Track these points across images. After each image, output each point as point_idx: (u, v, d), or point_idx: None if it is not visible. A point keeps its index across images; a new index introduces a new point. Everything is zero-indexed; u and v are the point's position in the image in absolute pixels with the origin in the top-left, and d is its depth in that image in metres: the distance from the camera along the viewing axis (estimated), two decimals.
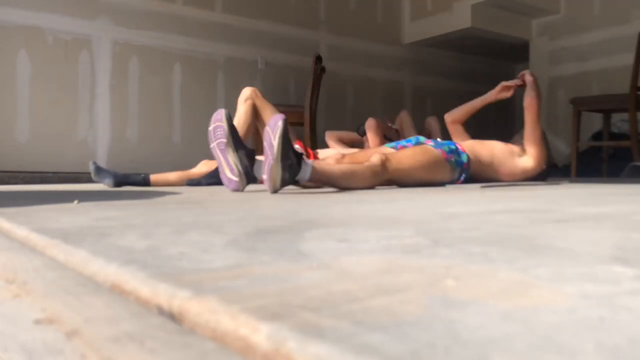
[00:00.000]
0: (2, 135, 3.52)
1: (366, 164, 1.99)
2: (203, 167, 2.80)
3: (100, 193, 1.88)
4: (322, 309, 0.31)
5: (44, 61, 3.66)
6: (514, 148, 2.48)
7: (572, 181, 2.85)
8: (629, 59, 4.65)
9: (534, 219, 0.84)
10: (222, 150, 1.83)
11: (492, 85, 2.92)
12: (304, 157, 1.78)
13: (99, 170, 2.64)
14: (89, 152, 3.81)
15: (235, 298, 0.33)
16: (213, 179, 2.59)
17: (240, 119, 2.72)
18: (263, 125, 2.74)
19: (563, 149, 4.45)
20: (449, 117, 2.85)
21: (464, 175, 2.31)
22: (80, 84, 3.80)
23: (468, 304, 0.32)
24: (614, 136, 4.18)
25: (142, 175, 2.66)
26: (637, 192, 1.63)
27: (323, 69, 4.00)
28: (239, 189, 1.83)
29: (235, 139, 1.82)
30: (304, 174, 1.76)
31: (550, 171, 4.00)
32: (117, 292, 0.41)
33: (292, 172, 1.71)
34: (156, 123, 4.10)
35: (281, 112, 4.22)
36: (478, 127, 3.18)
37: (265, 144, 1.72)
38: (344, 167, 1.95)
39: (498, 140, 2.59)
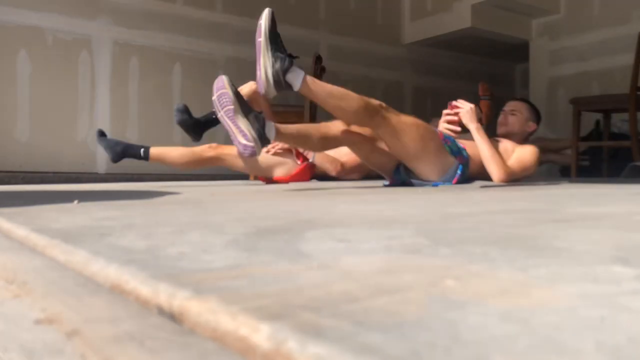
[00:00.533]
0: (2, 135, 3.52)
1: (364, 98, 1.91)
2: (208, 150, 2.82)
3: (100, 193, 1.88)
4: (322, 309, 0.31)
5: (44, 61, 3.66)
6: (507, 148, 2.45)
7: (571, 181, 2.84)
8: (629, 59, 4.65)
9: (534, 219, 0.84)
10: (230, 118, 1.77)
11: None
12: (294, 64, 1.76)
13: (102, 137, 2.65)
14: (89, 152, 3.80)
15: (235, 298, 0.33)
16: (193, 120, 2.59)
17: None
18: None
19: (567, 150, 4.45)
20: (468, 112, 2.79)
21: (459, 172, 2.24)
22: (80, 84, 3.80)
23: (468, 304, 0.32)
24: (613, 136, 4.18)
25: (143, 149, 2.68)
26: (637, 192, 1.63)
27: (323, 69, 4.00)
28: (257, 153, 1.76)
29: (242, 103, 1.77)
30: (296, 75, 1.73)
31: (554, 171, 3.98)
32: (117, 292, 0.41)
33: (282, 64, 1.69)
34: (156, 123, 4.10)
35: (281, 112, 4.23)
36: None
37: (227, 107, 1.71)
38: (337, 87, 1.89)
39: (492, 138, 2.54)
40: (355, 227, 0.73)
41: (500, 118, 2.70)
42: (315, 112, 4.00)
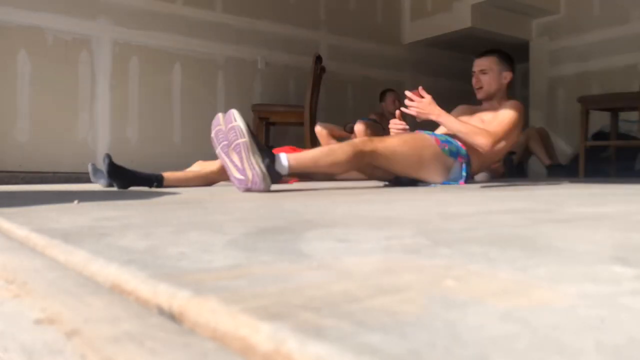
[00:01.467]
0: (2, 135, 3.52)
1: (346, 142, 1.93)
2: (197, 168, 2.72)
3: (100, 193, 1.88)
4: (322, 309, 0.31)
5: (44, 61, 3.66)
6: (494, 111, 2.38)
7: (571, 181, 2.84)
8: (629, 58, 4.65)
9: (534, 219, 0.84)
10: (225, 153, 1.76)
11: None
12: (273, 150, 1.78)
13: (96, 171, 2.50)
14: (89, 152, 3.80)
15: (235, 298, 0.33)
16: (116, 179, 2.31)
17: None
18: None
19: (565, 149, 4.44)
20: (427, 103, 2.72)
21: (464, 173, 2.24)
22: (80, 84, 3.80)
23: (468, 304, 0.32)
24: (617, 136, 4.18)
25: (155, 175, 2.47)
26: (637, 192, 1.63)
27: (323, 69, 4.00)
28: (266, 189, 1.75)
29: (255, 138, 1.75)
30: (282, 163, 1.74)
31: (557, 171, 3.98)
32: (117, 292, 0.41)
33: (268, 153, 1.69)
34: (156, 123, 4.10)
35: (281, 112, 4.24)
36: None
37: (229, 136, 1.68)
38: (320, 148, 1.91)
39: (468, 115, 2.47)
40: (355, 227, 0.73)
41: (473, 81, 2.55)
42: (315, 112, 4.00)
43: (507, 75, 2.50)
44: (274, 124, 4.36)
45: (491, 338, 0.25)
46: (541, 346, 0.24)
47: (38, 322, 0.36)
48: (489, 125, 2.30)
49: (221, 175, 2.57)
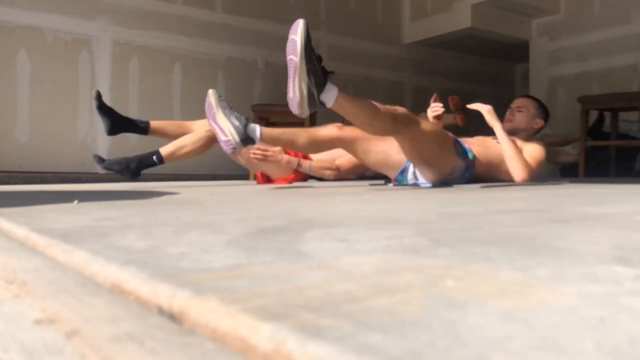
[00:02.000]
0: (2, 135, 3.52)
1: (390, 112, 1.92)
2: (201, 126, 2.77)
3: (100, 193, 1.88)
4: (322, 309, 0.31)
5: (44, 61, 3.66)
6: (518, 145, 2.46)
7: (571, 181, 2.84)
8: (629, 59, 4.65)
9: (534, 219, 0.84)
10: (212, 117, 1.89)
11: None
12: (329, 79, 1.74)
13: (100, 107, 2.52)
14: (89, 152, 3.80)
15: (235, 298, 0.33)
16: (117, 166, 2.52)
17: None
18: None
19: (569, 149, 4.43)
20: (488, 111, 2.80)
21: (467, 174, 2.26)
22: (80, 84, 3.80)
23: (468, 304, 0.32)
24: (617, 136, 4.17)
25: (142, 123, 2.61)
26: (637, 192, 1.63)
27: (323, 69, 4.00)
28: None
29: (222, 106, 1.88)
30: (330, 94, 1.71)
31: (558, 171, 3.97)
32: (117, 292, 0.41)
33: (317, 80, 1.66)
34: None
35: (281, 112, 4.23)
36: (478, 125, 3.18)
37: (287, 49, 1.67)
38: (365, 103, 1.88)
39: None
40: (355, 227, 0.73)
41: (507, 115, 2.70)
42: (315, 112, 4.00)
43: (538, 122, 2.65)
44: (273, 124, 4.35)
45: (491, 338, 0.25)
46: (541, 346, 0.24)
47: (38, 322, 0.36)
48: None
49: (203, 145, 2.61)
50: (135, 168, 2.50)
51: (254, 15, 4.56)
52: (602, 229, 0.71)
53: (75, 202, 1.28)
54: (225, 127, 1.85)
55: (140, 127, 2.57)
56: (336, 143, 2.13)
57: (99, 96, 2.52)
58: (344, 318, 0.29)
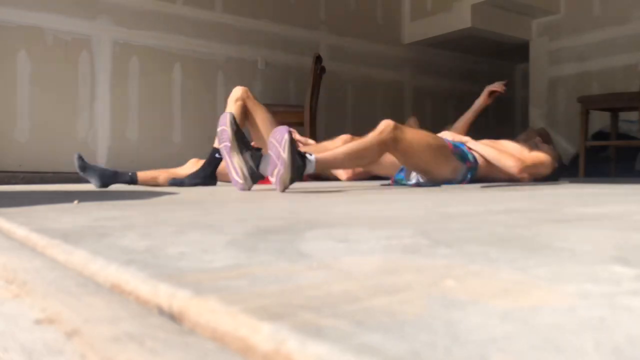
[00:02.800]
0: (2, 135, 3.52)
1: (372, 134, 1.97)
2: (191, 167, 2.76)
3: (100, 193, 1.88)
4: (322, 309, 0.31)
5: (44, 61, 3.66)
6: (524, 147, 2.47)
7: (571, 181, 2.85)
8: (629, 59, 4.65)
9: (534, 219, 0.84)
10: (228, 153, 1.89)
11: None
12: (307, 154, 1.82)
13: (84, 166, 2.50)
14: (89, 152, 3.80)
15: (235, 298, 0.33)
16: (197, 179, 2.53)
17: None
18: (254, 125, 2.72)
19: (567, 148, 4.44)
20: (450, 133, 2.85)
21: (469, 175, 2.28)
22: (80, 84, 3.80)
23: (468, 304, 0.32)
24: (617, 136, 4.17)
25: (130, 173, 2.58)
26: (637, 192, 1.63)
27: (323, 69, 4.00)
28: (245, 189, 1.90)
29: (239, 142, 1.89)
30: (310, 169, 1.83)
31: (562, 171, 3.99)
32: (117, 292, 0.41)
33: (299, 172, 1.79)
34: (156, 123, 4.10)
35: (281, 112, 4.24)
36: (478, 128, 3.18)
37: (271, 153, 1.79)
38: (346, 147, 1.96)
39: (509, 140, 2.58)
40: (355, 227, 0.73)
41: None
42: (315, 112, 4.00)
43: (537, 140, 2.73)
44: None
45: (491, 338, 0.25)
46: (541, 346, 0.24)
47: (38, 322, 0.36)
48: (521, 152, 2.45)
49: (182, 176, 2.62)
50: (108, 176, 2.46)
51: (254, 15, 4.56)
52: (602, 229, 0.71)
53: (75, 202, 1.28)
54: (238, 167, 1.87)
55: (128, 178, 2.56)
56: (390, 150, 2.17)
57: (80, 157, 2.47)
58: (343, 318, 0.29)
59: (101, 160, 3.84)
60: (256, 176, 1.87)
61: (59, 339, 0.32)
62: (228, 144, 1.86)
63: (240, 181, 1.86)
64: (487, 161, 2.36)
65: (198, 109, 4.27)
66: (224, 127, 1.87)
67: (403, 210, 1.03)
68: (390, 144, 1.97)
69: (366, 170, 3.02)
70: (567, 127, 4.92)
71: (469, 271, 0.42)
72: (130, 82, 4.01)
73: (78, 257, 0.51)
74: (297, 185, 2.50)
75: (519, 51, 5.65)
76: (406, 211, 1.01)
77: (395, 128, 1.98)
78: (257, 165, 1.87)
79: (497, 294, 0.34)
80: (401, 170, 2.35)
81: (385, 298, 0.33)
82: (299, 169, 1.77)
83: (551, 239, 0.60)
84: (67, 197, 1.58)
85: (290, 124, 2.98)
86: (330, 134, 4.11)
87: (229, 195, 1.65)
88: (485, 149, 2.38)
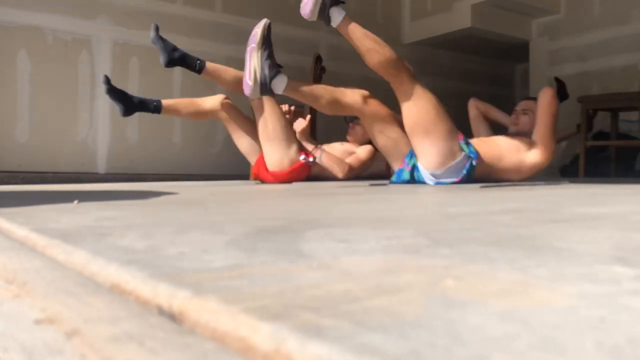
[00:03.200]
0: (2, 135, 3.52)
1: (398, 54, 2.05)
2: (216, 101, 2.84)
3: (100, 193, 1.88)
4: (322, 309, 0.31)
5: (44, 61, 3.66)
6: (521, 143, 2.44)
7: (571, 181, 2.84)
8: (629, 58, 4.65)
9: (534, 219, 0.84)
10: (249, 54, 1.92)
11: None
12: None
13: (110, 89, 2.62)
14: (89, 152, 3.80)
15: (235, 298, 0.33)
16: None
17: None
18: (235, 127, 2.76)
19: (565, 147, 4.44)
20: (475, 101, 2.84)
21: (465, 171, 2.23)
22: (80, 84, 3.80)
23: (468, 304, 0.32)
24: (618, 137, 4.17)
25: (155, 102, 2.69)
26: (637, 192, 1.63)
27: (323, 69, 4.00)
28: (251, 95, 1.89)
29: (266, 43, 1.90)
30: (280, 82, 1.83)
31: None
32: (117, 292, 0.41)
33: (271, 67, 1.76)
34: (156, 123, 4.10)
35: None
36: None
37: (248, 44, 1.81)
38: (374, 36, 2.01)
39: (502, 136, 2.56)
40: (355, 227, 0.73)
41: (512, 117, 2.71)
42: (315, 112, 4.00)
43: None
44: None
45: (491, 338, 0.25)
46: (541, 346, 0.24)
47: (38, 322, 0.36)
48: (518, 152, 2.43)
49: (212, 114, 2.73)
50: (134, 104, 2.66)
51: (254, 15, 4.55)
52: (602, 229, 0.71)
53: (75, 202, 1.28)
54: (252, 70, 1.87)
55: (153, 107, 2.70)
56: (356, 112, 2.18)
57: (107, 81, 2.64)
58: (344, 318, 0.29)
59: (101, 160, 3.84)
60: (267, 88, 1.88)
61: (59, 339, 0.32)
62: (253, 45, 1.89)
63: (250, 83, 1.87)
64: (486, 159, 2.33)
65: None
66: (257, 29, 1.91)
67: (403, 210, 1.03)
68: (404, 72, 2.01)
69: (363, 168, 3.02)
70: (567, 127, 4.92)
71: (469, 271, 0.42)
72: (130, 82, 4.00)
73: (78, 257, 0.51)
74: (297, 185, 2.50)
75: (519, 51, 5.65)
76: (406, 211, 1.01)
77: (413, 74, 2.04)
78: (272, 78, 1.87)
79: (497, 294, 0.34)
80: (399, 172, 2.34)
81: (385, 298, 0.33)
82: (271, 62, 1.76)
83: (551, 239, 0.60)
84: (67, 197, 1.58)
85: (290, 124, 2.98)
86: (331, 134, 4.11)
87: (229, 195, 1.65)
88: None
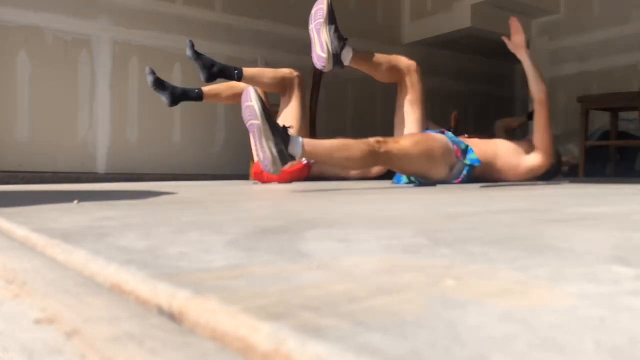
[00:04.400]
0: (2, 135, 3.52)
1: (362, 140, 1.97)
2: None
3: (100, 193, 1.88)
4: (322, 309, 0.31)
5: (44, 61, 3.66)
6: (519, 146, 2.46)
7: (571, 181, 2.84)
8: (629, 58, 4.65)
9: (534, 219, 0.84)
10: (318, 29, 1.98)
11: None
12: (289, 130, 1.81)
13: (158, 81, 2.67)
14: (89, 152, 3.80)
15: (235, 298, 0.33)
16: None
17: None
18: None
19: (571, 147, 4.43)
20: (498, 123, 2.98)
21: (465, 173, 2.24)
22: (80, 84, 3.80)
23: (468, 304, 0.32)
24: (618, 136, 4.17)
25: (197, 90, 2.77)
26: (637, 192, 1.63)
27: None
28: (326, 67, 1.99)
29: (331, 17, 1.98)
30: (297, 146, 1.76)
31: (559, 170, 3.98)
32: (117, 292, 0.41)
33: (284, 142, 1.73)
34: (156, 123, 4.10)
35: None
36: (478, 126, 3.19)
37: (246, 120, 1.76)
38: (337, 140, 1.95)
39: (501, 139, 2.58)
40: (355, 227, 0.73)
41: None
42: (315, 112, 4.00)
43: None
44: None
45: (491, 338, 0.25)
46: (541, 346, 0.24)
47: (38, 322, 0.36)
48: (517, 157, 2.46)
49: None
50: (178, 94, 2.74)
51: (254, 15, 4.56)
52: (602, 229, 0.71)
53: (75, 202, 1.28)
54: (324, 43, 1.93)
55: (195, 95, 2.79)
56: (405, 78, 2.34)
57: (152, 72, 2.70)
58: (344, 318, 0.29)
59: (101, 160, 3.84)
60: (338, 60, 1.92)
61: (59, 339, 0.32)
62: (321, 20, 1.97)
63: (325, 56, 1.96)
64: (483, 160, 2.35)
65: (198, 109, 4.26)
66: (320, 5, 1.96)
67: (403, 210, 1.03)
68: (378, 151, 1.95)
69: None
70: (567, 127, 4.92)
71: (469, 271, 0.42)
72: (130, 82, 4.01)
73: (78, 257, 0.51)
74: (297, 185, 2.50)
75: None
76: (406, 211, 1.02)
77: (382, 142, 1.98)
78: (341, 49, 1.92)
79: (497, 294, 0.34)
80: (399, 176, 2.35)
81: (385, 298, 0.33)
82: (282, 135, 1.72)
83: (551, 239, 0.60)
84: (67, 197, 1.58)
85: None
86: (331, 134, 4.11)
87: (229, 195, 1.65)
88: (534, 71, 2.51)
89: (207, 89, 2.87)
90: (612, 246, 0.55)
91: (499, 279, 0.39)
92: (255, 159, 2.83)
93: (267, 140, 1.72)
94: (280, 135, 1.75)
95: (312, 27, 1.98)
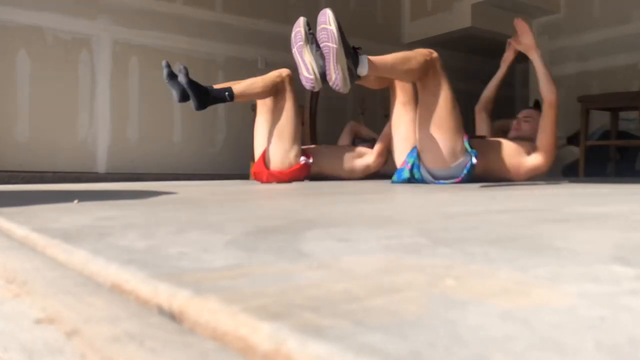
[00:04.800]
0: (2, 135, 3.52)
1: (416, 51, 2.18)
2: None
3: (100, 193, 1.88)
4: (322, 309, 0.31)
5: (44, 61, 3.66)
6: (522, 145, 2.46)
7: (571, 181, 2.84)
8: (629, 58, 4.65)
9: (534, 219, 0.84)
10: (299, 52, 2.00)
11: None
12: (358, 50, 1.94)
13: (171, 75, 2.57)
14: (89, 152, 3.80)
15: (235, 298, 0.33)
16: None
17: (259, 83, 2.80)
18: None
19: (572, 148, 4.43)
20: (478, 106, 2.98)
21: (465, 171, 2.24)
22: (80, 84, 3.80)
23: (468, 304, 0.32)
24: (618, 135, 4.16)
25: (227, 92, 2.68)
26: (637, 192, 1.63)
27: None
28: (315, 87, 1.98)
29: (310, 37, 2.00)
30: (363, 64, 1.91)
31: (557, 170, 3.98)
32: (117, 292, 0.41)
33: (353, 59, 1.85)
34: (156, 123, 4.10)
35: None
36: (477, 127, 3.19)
37: (320, 36, 1.87)
38: (398, 54, 2.13)
39: (504, 138, 2.58)
40: (355, 227, 0.73)
41: (514, 124, 2.81)
42: (315, 112, 4.00)
43: None
44: None
45: (491, 338, 0.25)
46: (541, 346, 0.24)
47: (38, 321, 0.36)
48: (517, 154, 2.47)
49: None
50: (206, 99, 2.64)
51: (254, 15, 4.56)
52: (602, 229, 0.71)
53: (75, 201, 1.28)
54: (309, 64, 1.96)
55: (226, 96, 2.74)
56: (421, 71, 2.25)
57: (186, 72, 2.60)
58: (343, 318, 0.29)
59: (101, 160, 3.84)
60: (352, 74, 1.99)
61: (59, 339, 0.32)
62: (300, 43, 1.98)
63: (311, 77, 1.94)
64: (484, 159, 2.35)
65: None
66: (326, 26, 1.97)
67: (403, 210, 1.03)
68: (432, 67, 2.14)
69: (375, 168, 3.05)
70: (567, 127, 4.92)
71: (469, 271, 0.42)
72: (130, 82, 4.01)
73: (78, 257, 0.51)
74: (297, 185, 2.50)
75: (519, 51, 5.65)
76: (406, 211, 1.02)
77: (439, 60, 2.19)
78: (356, 66, 1.96)
79: (497, 294, 0.34)
80: (400, 171, 2.34)
81: (385, 298, 0.33)
82: (352, 55, 1.82)
83: (551, 239, 0.60)
84: (67, 197, 1.58)
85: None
86: (331, 134, 4.11)
87: (229, 195, 1.65)
88: (542, 67, 2.51)
89: (235, 88, 2.81)
90: (612, 246, 0.55)
91: (499, 279, 0.39)
92: (260, 149, 2.81)
93: (341, 62, 1.88)
94: (352, 57, 1.91)
95: (295, 50, 2.03)
